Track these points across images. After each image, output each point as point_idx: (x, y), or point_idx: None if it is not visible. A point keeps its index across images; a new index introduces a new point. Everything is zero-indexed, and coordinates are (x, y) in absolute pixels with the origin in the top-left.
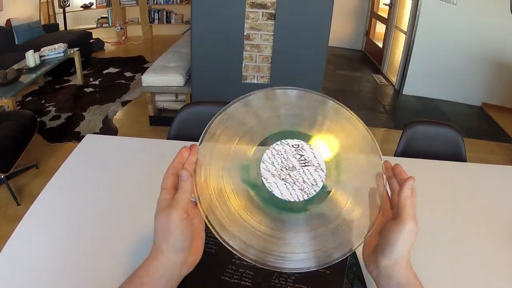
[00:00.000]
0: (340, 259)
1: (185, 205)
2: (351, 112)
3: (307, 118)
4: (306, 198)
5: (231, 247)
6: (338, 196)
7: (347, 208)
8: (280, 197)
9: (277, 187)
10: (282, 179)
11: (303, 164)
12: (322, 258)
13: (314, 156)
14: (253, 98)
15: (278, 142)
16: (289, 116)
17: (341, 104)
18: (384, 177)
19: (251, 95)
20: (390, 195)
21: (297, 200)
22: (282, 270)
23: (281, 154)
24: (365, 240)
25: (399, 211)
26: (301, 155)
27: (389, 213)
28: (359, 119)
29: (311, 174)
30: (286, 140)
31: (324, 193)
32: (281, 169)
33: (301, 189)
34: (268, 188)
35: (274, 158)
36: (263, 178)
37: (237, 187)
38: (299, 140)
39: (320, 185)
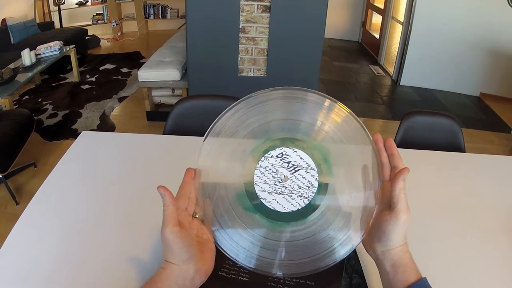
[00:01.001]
0: (343, 257)
1: (172, 220)
2: (336, 101)
3: (302, 120)
4: (307, 202)
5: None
6: (336, 189)
7: (346, 200)
8: (283, 211)
9: (277, 202)
10: (280, 193)
11: (293, 171)
12: (329, 259)
13: (301, 158)
14: (249, 101)
15: (262, 159)
16: (281, 121)
17: (328, 96)
18: (375, 148)
19: (253, 97)
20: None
21: (299, 207)
22: (284, 276)
23: (269, 169)
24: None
25: (393, 202)
26: (288, 162)
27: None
28: (348, 111)
29: (304, 178)
30: (269, 153)
31: (322, 190)
32: (275, 184)
33: (300, 196)
34: (270, 207)
35: (264, 175)
36: (261, 200)
37: (241, 212)
38: (281, 148)
39: (316, 184)
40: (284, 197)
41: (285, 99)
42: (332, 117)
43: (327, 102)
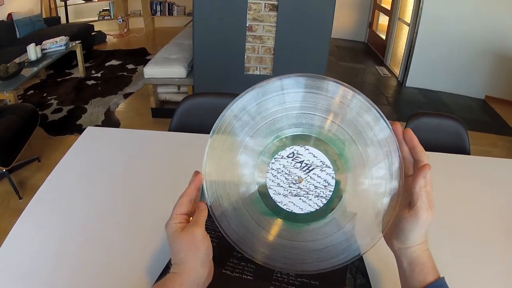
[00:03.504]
0: (359, 256)
1: (204, 223)
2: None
3: (313, 114)
4: (325, 201)
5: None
6: (354, 186)
7: (364, 199)
8: (301, 212)
9: (294, 205)
10: (296, 195)
11: (307, 171)
12: (343, 257)
13: (314, 156)
14: (257, 91)
15: (273, 160)
16: (289, 115)
17: (342, 83)
18: (397, 146)
19: (261, 86)
20: (402, 164)
21: (317, 208)
22: (290, 272)
23: (282, 171)
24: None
25: (413, 201)
26: (301, 162)
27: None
28: (366, 99)
29: (319, 177)
30: (279, 153)
31: (340, 187)
32: (289, 186)
33: (317, 196)
34: (287, 210)
35: (277, 178)
36: (278, 203)
37: (258, 217)
38: (291, 147)
39: (333, 182)
40: (300, 198)
41: (292, 88)
42: (347, 106)
43: (341, 90)
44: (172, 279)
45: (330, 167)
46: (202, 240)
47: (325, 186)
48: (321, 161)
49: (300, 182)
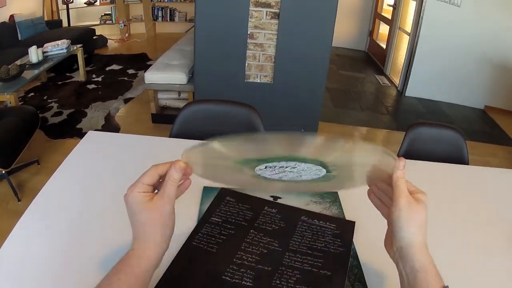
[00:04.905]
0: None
1: (174, 198)
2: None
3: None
4: (320, 175)
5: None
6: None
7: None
8: (299, 179)
9: (288, 177)
10: (289, 173)
11: (295, 167)
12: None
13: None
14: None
15: (260, 166)
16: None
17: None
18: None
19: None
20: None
21: (314, 178)
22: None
23: (269, 167)
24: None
25: (394, 193)
26: (287, 166)
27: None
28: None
29: (308, 168)
30: (264, 164)
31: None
32: (280, 171)
33: (310, 174)
34: (284, 180)
35: (266, 170)
36: (268, 177)
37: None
38: (279, 162)
39: (323, 170)
40: (294, 174)
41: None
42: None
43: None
44: (136, 256)
45: (314, 165)
46: (170, 215)
47: (315, 170)
48: (308, 167)
49: (290, 169)
